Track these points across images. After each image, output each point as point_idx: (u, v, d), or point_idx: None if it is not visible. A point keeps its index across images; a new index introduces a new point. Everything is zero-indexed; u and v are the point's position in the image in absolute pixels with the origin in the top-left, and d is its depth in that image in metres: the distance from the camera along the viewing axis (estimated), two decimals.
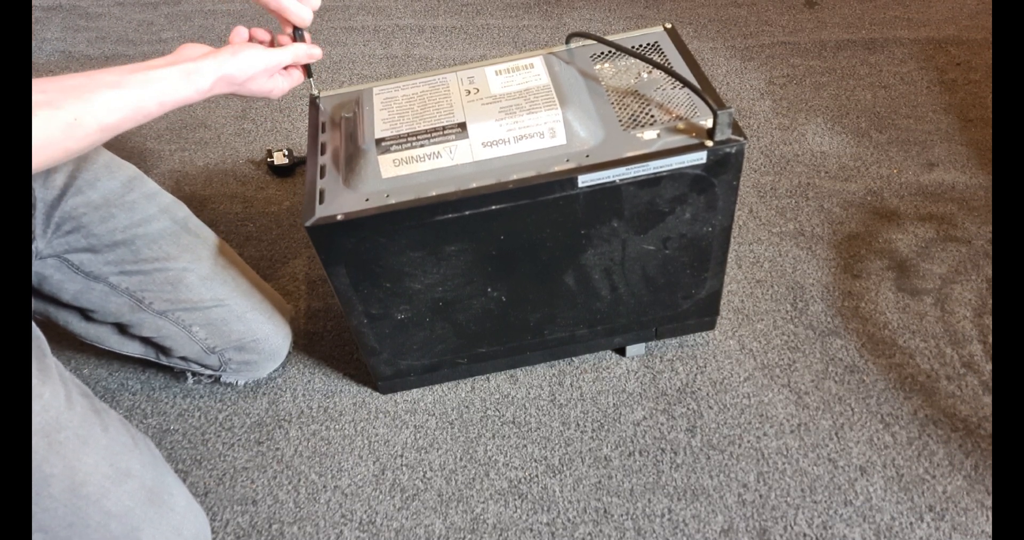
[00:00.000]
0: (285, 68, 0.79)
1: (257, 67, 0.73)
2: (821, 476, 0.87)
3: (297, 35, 0.78)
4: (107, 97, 0.62)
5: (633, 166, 0.74)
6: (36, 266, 0.83)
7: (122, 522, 0.74)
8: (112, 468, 0.73)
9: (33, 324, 0.76)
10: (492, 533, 0.86)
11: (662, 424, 0.93)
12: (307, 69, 0.82)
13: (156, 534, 0.76)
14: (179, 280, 0.88)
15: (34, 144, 0.57)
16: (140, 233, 0.86)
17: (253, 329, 0.94)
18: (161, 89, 0.66)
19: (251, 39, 0.79)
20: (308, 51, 0.78)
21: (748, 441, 0.91)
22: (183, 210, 0.91)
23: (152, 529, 0.76)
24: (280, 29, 0.80)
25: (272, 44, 0.79)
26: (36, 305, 0.91)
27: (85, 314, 0.91)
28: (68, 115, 0.60)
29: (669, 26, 0.88)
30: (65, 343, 1.09)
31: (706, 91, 0.77)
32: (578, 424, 0.94)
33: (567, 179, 0.74)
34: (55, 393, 0.71)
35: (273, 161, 1.32)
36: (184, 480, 0.93)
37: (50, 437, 0.69)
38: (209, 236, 0.93)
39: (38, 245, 0.81)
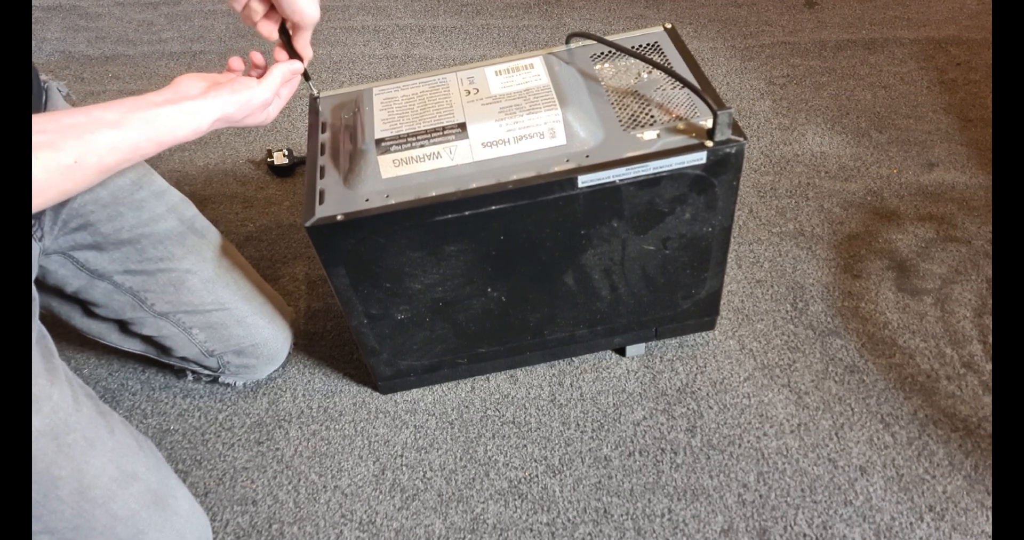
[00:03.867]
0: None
1: (254, 104, 0.71)
2: (821, 476, 0.87)
3: (283, 39, 0.77)
4: (108, 139, 0.60)
5: (633, 166, 0.74)
6: (40, 261, 0.83)
7: (128, 525, 0.73)
8: (119, 471, 0.73)
9: (41, 325, 0.76)
10: (492, 533, 0.86)
11: (662, 424, 0.93)
12: (305, 74, 0.81)
13: (160, 537, 0.76)
14: (181, 282, 0.88)
15: (34, 187, 0.55)
16: (147, 232, 0.86)
17: (252, 334, 0.94)
18: (160, 130, 0.64)
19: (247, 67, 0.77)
20: (289, 67, 0.76)
21: (748, 441, 0.91)
22: (190, 209, 0.91)
23: (157, 533, 0.76)
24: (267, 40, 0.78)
25: (267, 67, 0.78)
26: (39, 298, 0.91)
27: (87, 308, 0.91)
28: (69, 157, 0.57)
29: (669, 26, 0.88)
30: (65, 343, 1.09)
31: (706, 91, 0.77)
32: (578, 424, 0.94)
33: (567, 179, 0.74)
34: (63, 395, 0.71)
35: (273, 161, 1.32)
36: (184, 480, 0.93)
37: (59, 439, 0.69)
38: (214, 237, 0.93)
39: (45, 242, 0.81)
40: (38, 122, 0.57)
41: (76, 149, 0.58)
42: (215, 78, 0.72)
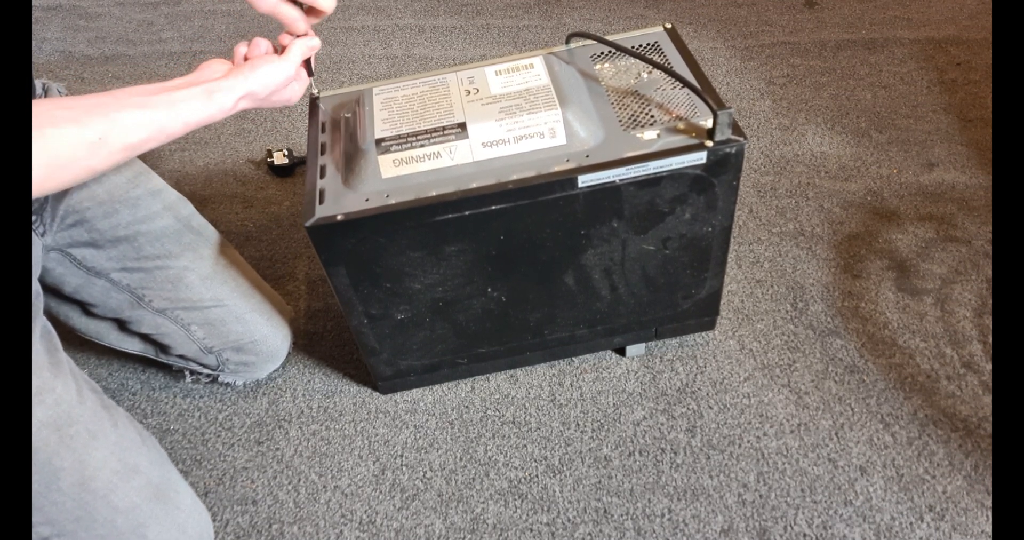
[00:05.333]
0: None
1: (278, 80, 0.72)
2: (821, 476, 0.87)
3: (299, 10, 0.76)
4: (132, 117, 0.62)
5: (633, 166, 0.74)
6: (39, 259, 0.83)
7: (128, 518, 0.74)
8: (120, 464, 0.74)
9: (46, 320, 0.76)
10: (492, 533, 0.86)
11: (662, 424, 0.93)
12: (308, 68, 0.81)
13: (161, 531, 0.77)
14: (179, 279, 0.89)
15: (59, 162, 0.57)
16: (143, 230, 0.86)
17: (251, 330, 0.94)
18: (185, 110, 0.65)
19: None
20: (308, 44, 0.75)
21: (748, 441, 0.91)
22: (187, 208, 0.92)
23: (158, 526, 0.76)
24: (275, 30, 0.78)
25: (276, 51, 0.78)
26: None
27: (85, 308, 0.91)
28: (93, 134, 0.59)
29: (669, 26, 0.88)
30: (65, 343, 1.09)
31: (706, 91, 0.77)
32: (578, 424, 0.94)
33: (567, 179, 0.74)
34: (67, 387, 0.72)
35: (273, 161, 1.32)
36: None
37: (61, 431, 0.70)
38: (212, 235, 0.93)
39: (45, 239, 0.82)
40: (63, 101, 0.59)
41: (101, 126, 0.59)
42: (238, 61, 0.73)
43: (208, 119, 0.67)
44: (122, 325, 0.94)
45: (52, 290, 0.88)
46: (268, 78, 0.71)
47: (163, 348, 0.96)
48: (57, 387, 0.70)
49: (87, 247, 0.84)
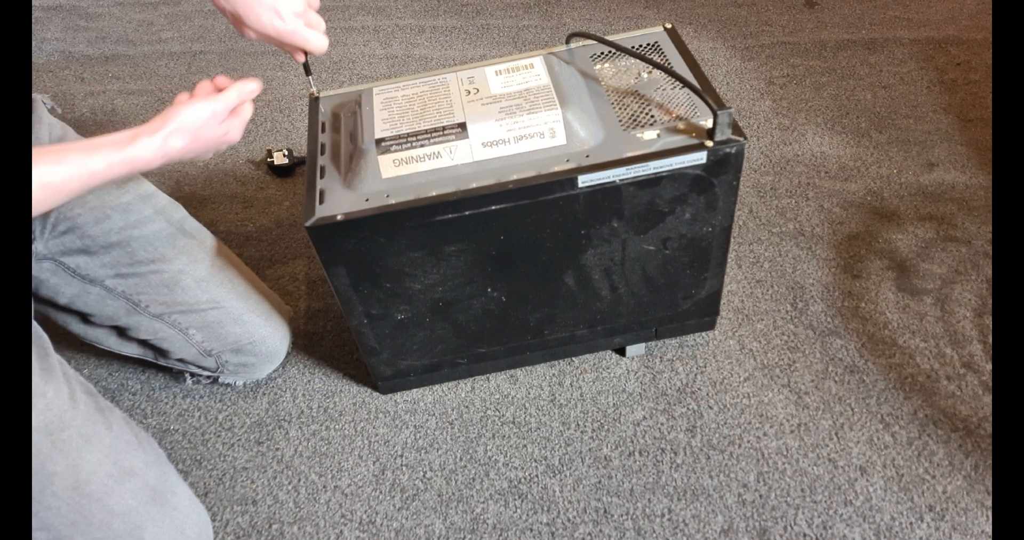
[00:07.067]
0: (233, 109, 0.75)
1: (203, 115, 0.70)
2: (821, 476, 0.87)
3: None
4: (48, 157, 0.61)
5: (633, 166, 0.74)
6: (33, 269, 0.83)
7: (125, 520, 0.74)
8: (115, 466, 0.74)
9: (35, 324, 0.76)
10: (492, 533, 0.86)
11: (662, 424, 0.93)
12: (306, 68, 0.82)
13: (159, 533, 0.76)
14: (175, 282, 0.88)
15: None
16: (135, 235, 0.86)
17: (250, 331, 0.94)
18: (109, 150, 0.64)
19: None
20: (245, 87, 0.74)
21: (748, 441, 0.91)
22: (179, 211, 0.91)
23: (155, 528, 0.76)
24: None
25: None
26: (35, 307, 0.91)
27: (83, 317, 0.91)
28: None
29: (669, 26, 0.88)
30: (65, 343, 1.09)
31: (706, 91, 0.77)
32: (578, 424, 0.94)
33: (567, 179, 0.74)
34: (58, 391, 0.71)
35: (273, 161, 1.32)
36: (184, 480, 0.93)
37: (53, 435, 0.69)
38: (206, 237, 0.93)
39: (37, 246, 0.81)
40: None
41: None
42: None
43: (136, 158, 0.66)
44: (120, 332, 0.94)
45: (48, 301, 0.88)
46: (192, 114, 0.69)
47: (162, 352, 0.96)
48: (48, 392, 0.70)
49: (80, 254, 0.84)
